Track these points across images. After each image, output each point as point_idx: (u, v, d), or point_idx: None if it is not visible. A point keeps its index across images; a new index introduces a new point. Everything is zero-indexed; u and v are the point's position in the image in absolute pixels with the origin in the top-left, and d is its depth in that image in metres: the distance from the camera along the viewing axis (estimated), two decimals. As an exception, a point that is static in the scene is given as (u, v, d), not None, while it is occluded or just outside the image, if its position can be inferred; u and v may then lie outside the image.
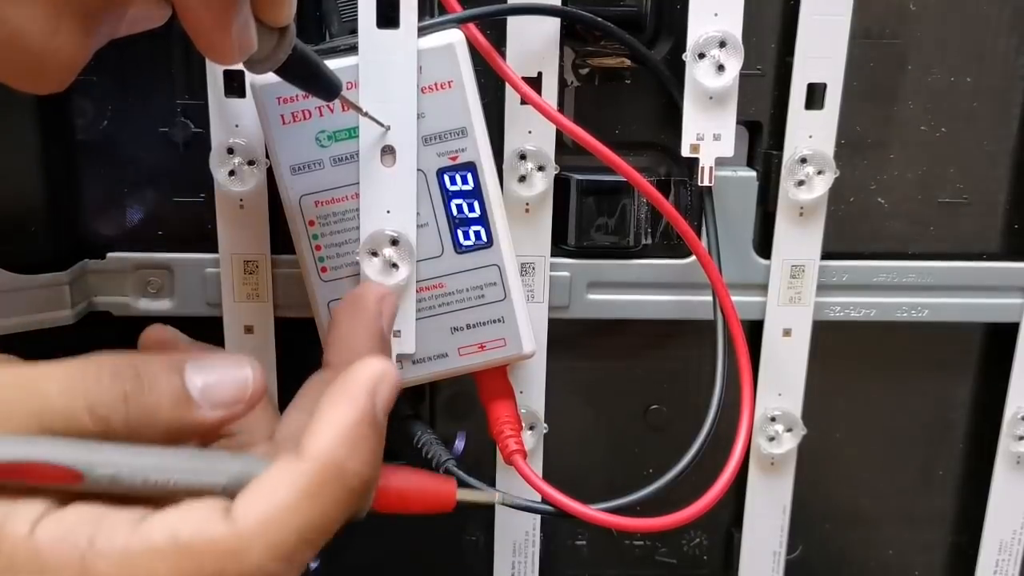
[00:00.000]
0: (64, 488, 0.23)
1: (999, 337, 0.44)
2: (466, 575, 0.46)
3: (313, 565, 0.45)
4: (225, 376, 0.26)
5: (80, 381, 0.24)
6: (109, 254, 0.40)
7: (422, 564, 0.46)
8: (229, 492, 0.25)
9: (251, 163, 0.37)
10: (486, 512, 0.44)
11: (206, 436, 0.28)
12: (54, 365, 0.25)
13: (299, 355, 0.41)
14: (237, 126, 0.37)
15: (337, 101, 0.34)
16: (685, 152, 0.39)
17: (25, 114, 0.37)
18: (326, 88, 0.33)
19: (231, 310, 0.40)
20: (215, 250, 0.39)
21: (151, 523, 0.23)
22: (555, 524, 0.45)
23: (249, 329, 0.40)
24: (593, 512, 0.36)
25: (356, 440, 0.26)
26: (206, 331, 0.40)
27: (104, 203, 0.40)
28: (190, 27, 0.26)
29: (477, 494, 0.33)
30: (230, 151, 0.37)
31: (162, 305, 0.40)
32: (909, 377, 0.45)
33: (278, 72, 0.31)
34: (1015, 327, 0.43)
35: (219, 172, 0.37)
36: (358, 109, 0.35)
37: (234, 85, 0.37)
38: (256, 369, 0.27)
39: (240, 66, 0.29)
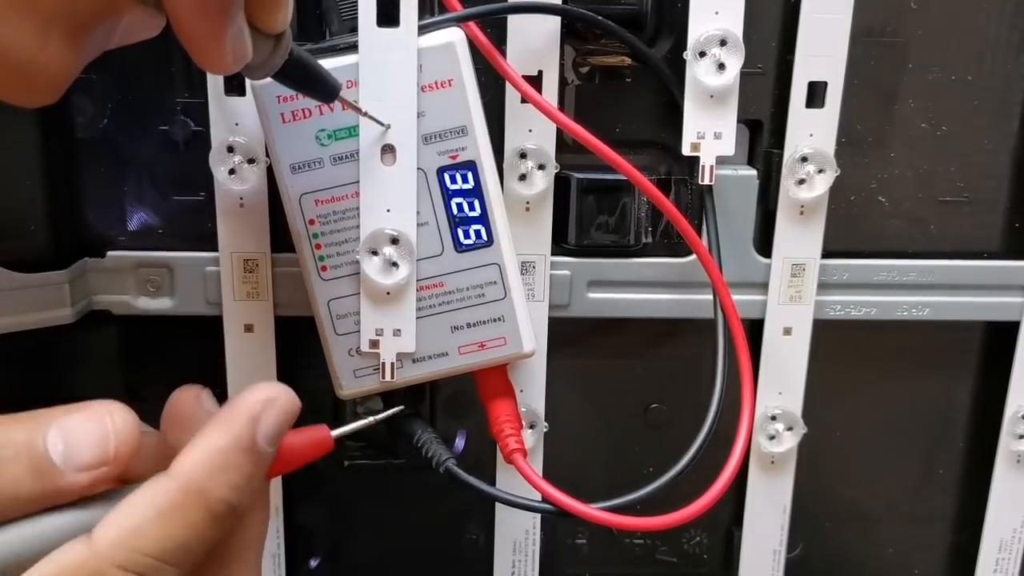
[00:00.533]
0: None
1: (999, 336, 0.44)
2: (466, 574, 0.46)
3: (313, 564, 0.45)
4: (83, 436, 0.25)
5: None
6: (109, 253, 0.40)
7: (422, 563, 0.46)
8: None
9: (251, 161, 0.37)
10: (486, 511, 0.44)
11: (91, 491, 0.26)
12: None
13: (299, 354, 0.41)
14: (237, 124, 0.37)
15: (337, 101, 0.34)
16: (686, 151, 0.39)
17: (25, 113, 0.37)
18: (324, 91, 0.33)
19: (231, 309, 0.40)
20: (215, 249, 0.39)
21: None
22: (555, 523, 0.45)
23: (249, 328, 0.40)
24: (593, 511, 0.36)
25: (224, 465, 0.26)
26: (206, 330, 0.40)
27: (104, 201, 0.40)
28: (183, 37, 0.26)
29: (352, 425, 0.33)
30: (230, 149, 0.37)
31: (162, 304, 0.40)
32: (909, 376, 0.45)
33: (275, 77, 0.31)
34: (1015, 326, 0.43)
35: (219, 170, 0.37)
36: (357, 109, 0.35)
37: (234, 83, 0.37)
38: (121, 421, 0.26)
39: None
